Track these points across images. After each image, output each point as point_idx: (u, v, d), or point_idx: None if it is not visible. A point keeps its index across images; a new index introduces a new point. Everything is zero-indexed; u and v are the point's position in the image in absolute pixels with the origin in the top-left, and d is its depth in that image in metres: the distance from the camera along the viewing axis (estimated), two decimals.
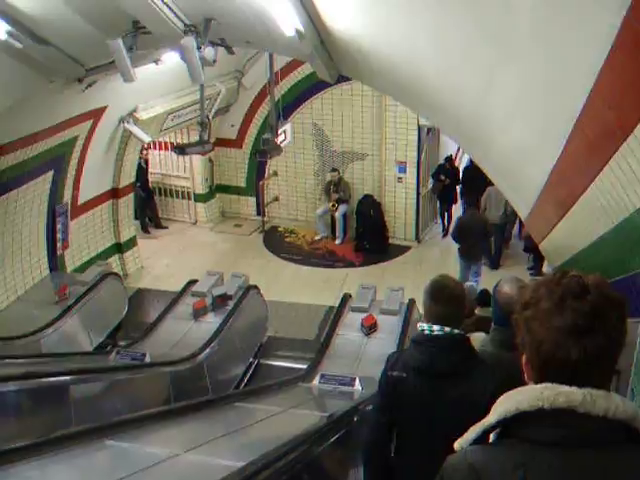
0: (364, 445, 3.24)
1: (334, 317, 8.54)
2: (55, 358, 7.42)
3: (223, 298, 8.99)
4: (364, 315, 8.34)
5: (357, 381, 6.57)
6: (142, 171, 13.38)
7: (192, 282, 9.66)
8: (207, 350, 7.99)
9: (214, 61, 5.37)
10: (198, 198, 13.94)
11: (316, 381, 6.63)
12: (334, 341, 8.08)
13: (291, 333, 10.11)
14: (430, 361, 2.83)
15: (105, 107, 9.93)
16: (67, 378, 5.93)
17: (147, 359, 7.41)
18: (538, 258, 11.04)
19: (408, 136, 12.02)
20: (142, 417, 4.89)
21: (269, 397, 5.94)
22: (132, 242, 12.05)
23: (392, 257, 12.43)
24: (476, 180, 10.65)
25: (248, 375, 8.82)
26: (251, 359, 8.98)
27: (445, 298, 2.90)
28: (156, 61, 8.89)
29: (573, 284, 1.44)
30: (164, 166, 14.03)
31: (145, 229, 13.81)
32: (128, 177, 11.50)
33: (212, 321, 8.75)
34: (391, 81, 4.53)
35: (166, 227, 14.02)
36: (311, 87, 12.56)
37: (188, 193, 14.00)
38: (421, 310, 7.79)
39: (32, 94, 6.98)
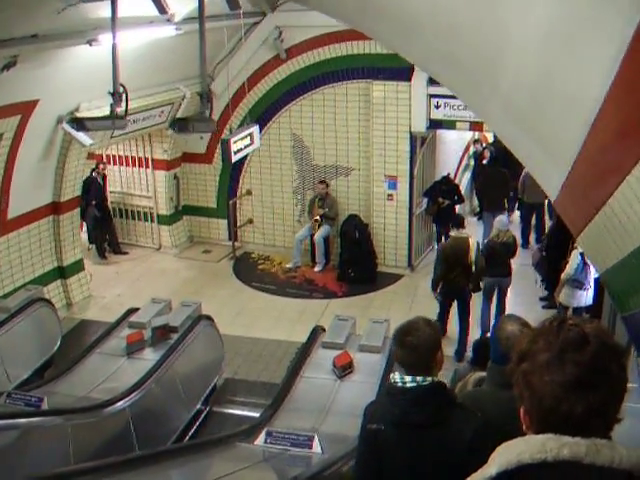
0: None
1: (299, 355, 6.83)
2: None
3: (164, 330, 7.27)
4: (337, 353, 6.60)
5: (316, 441, 4.79)
6: (99, 188, 11.80)
7: (132, 310, 7.97)
8: (133, 395, 6.24)
9: None
10: (162, 220, 12.26)
11: (260, 440, 4.85)
12: (297, 386, 6.34)
13: (254, 374, 8.36)
14: (404, 414, 2.76)
15: (36, 101, 8.35)
16: None
17: (44, 405, 5.65)
18: (551, 287, 9.32)
19: (399, 145, 10.42)
20: None
21: (175, 466, 4.15)
22: (78, 266, 10.34)
23: (380, 287, 10.71)
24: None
25: (195, 426, 7.10)
26: (199, 406, 7.26)
27: (410, 344, 2.77)
28: (90, 42, 7.34)
29: (573, 335, 1.38)
30: (125, 184, 12.41)
31: (102, 254, 12.12)
32: (72, 190, 9.85)
33: (149, 358, 7.01)
34: None
35: (126, 253, 12.33)
36: (288, 92, 11.04)
37: (151, 214, 12.34)
38: None
39: None
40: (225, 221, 12.24)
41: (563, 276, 8.29)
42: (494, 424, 2.55)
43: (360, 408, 6.02)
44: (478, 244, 8.47)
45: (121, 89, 6.28)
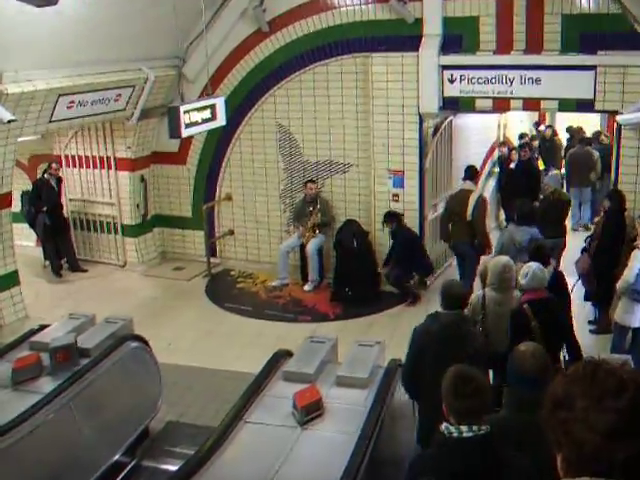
0: None
1: (247, 391, 4.74)
2: None
3: (67, 353, 5.23)
4: (302, 388, 4.51)
5: None
6: (52, 192, 9.97)
7: (43, 327, 5.97)
8: None
9: None
10: (127, 231, 10.33)
11: None
12: (235, 436, 4.24)
13: (206, 417, 6.27)
14: (465, 465, 2.68)
15: None
16: None
17: None
18: (602, 304, 7.15)
19: (405, 132, 8.43)
20: None
21: None
22: (10, 280, 8.40)
23: (384, 308, 8.58)
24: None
25: None
26: (118, 457, 5.29)
27: (471, 392, 2.78)
28: None
29: (610, 382, 1.37)
30: (85, 189, 10.55)
31: (57, 272, 10.22)
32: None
33: (44, 390, 4.97)
34: None
35: (85, 270, 10.40)
36: (272, 73, 9.15)
37: (114, 225, 10.43)
38: None
39: None
40: (202, 233, 10.25)
41: (619, 284, 6.14)
42: (520, 448, 2.84)
43: (325, 476, 3.99)
44: (478, 200, 8.08)
45: None
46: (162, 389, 5.94)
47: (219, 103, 6.98)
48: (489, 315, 5.22)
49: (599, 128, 13.70)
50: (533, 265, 5.02)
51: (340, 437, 4.15)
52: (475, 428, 2.72)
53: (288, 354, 5.22)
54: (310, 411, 4.29)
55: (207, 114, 6.79)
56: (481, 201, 8.09)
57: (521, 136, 12.99)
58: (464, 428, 2.72)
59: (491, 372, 4.88)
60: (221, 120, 7.05)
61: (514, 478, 2.68)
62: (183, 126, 6.34)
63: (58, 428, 4.74)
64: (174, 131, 6.34)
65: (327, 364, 5.05)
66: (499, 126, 13.17)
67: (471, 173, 8.30)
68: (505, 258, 5.46)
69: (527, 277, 4.92)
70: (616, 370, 1.39)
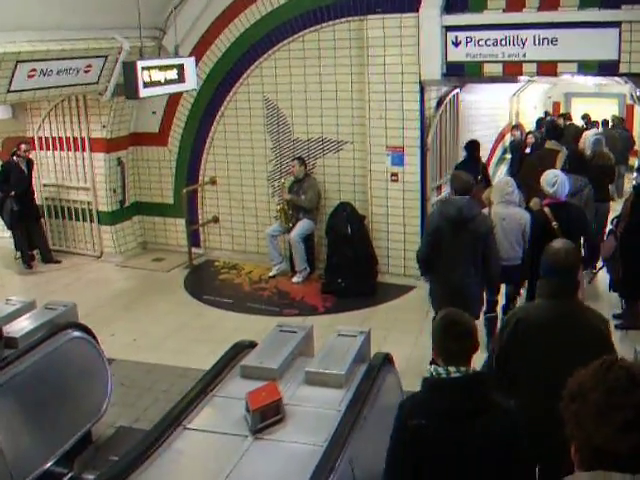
0: None
1: (192, 390, 3.82)
2: None
3: None
4: (259, 386, 3.60)
5: None
6: (22, 176, 9.14)
7: None
8: None
9: None
10: (103, 219, 9.48)
11: None
12: (172, 446, 3.34)
13: None
14: (454, 404, 2.70)
15: None
16: None
17: None
18: (631, 299, 6.19)
19: (405, 104, 7.51)
20: None
21: None
22: None
23: (381, 301, 7.66)
24: None
25: None
26: (49, 467, 4.35)
27: (458, 334, 2.80)
28: None
29: (622, 379, 1.43)
30: (60, 174, 9.71)
31: (28, 263, 9.39)
32: None
33: None
34: None
35: (59, 261, 9.56)
36: (259, 42, 8.26)
37: (90, 212, 9.58)
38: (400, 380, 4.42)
39: None
40: (184, 221, 9.38)
41: None
42: (544, 328, 3.27)
43: None
44: (567, 160, 7.57)
45: None
46: (110, 388, 5.04)
47: (188, 63, 6.13)
48: (496, 230, 5.60)
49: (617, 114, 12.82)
50: (561, 175, 5.33)
51: (303, 448, 3.24)
52: (463, 369, 2.71)
53: (252, 346, 4.33)
54: (266, 415, 3.38)
55: (173, 75, 5.92)
56: (566, 162, 7.73)
57: (539, 121, 12.07)
58: (452, 369, 2.71)
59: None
60: (191, 83, 6.19)
61: (500, 420, 2.69)
62: (141, 84, 5.47)
63: None
64: (131, 90, 5.47)
65: (297, 358, 4.14)
66: (510, 112, 12.28)
67: (556, 132, 8.38)
68: (506, 177, 6.38)
69: (555, 185, 5.23)
70: (631, 366, 1.47)
